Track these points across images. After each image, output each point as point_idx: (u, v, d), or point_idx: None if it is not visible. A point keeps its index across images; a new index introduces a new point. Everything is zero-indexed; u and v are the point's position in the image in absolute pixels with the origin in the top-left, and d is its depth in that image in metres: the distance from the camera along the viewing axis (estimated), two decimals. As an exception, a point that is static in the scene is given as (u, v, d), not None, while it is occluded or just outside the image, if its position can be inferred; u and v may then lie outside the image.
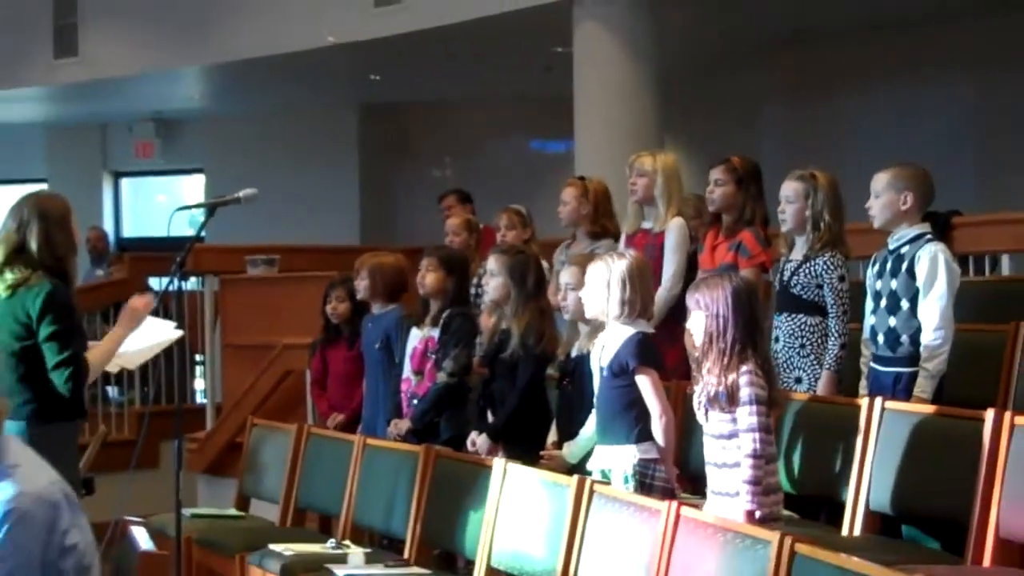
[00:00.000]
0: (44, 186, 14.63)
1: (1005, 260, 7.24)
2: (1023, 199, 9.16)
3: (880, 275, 5.25)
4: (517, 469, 5.15)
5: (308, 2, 11.87)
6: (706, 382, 4.49)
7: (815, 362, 5.43)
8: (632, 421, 4.85)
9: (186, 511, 6.19)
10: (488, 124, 14.60)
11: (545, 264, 6.39)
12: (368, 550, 5.81)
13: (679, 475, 5.06)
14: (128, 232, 16.83)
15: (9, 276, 5.24)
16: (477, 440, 5.82)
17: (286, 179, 14.14)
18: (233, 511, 7.14)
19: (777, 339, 5.51)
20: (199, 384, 11.14)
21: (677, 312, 5.72)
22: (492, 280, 5.93)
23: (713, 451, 4.54)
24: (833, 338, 5.39)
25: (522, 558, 4.97)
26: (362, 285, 6.93)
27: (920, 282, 5.08)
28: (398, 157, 14.90)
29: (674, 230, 6.38)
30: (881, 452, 4.79)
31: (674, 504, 4.21)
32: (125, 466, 6.30)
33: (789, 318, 5.49)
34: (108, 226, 15.79)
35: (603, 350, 4.94)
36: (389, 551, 5.99)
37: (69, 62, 13.39)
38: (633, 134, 9.48)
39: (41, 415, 5.14)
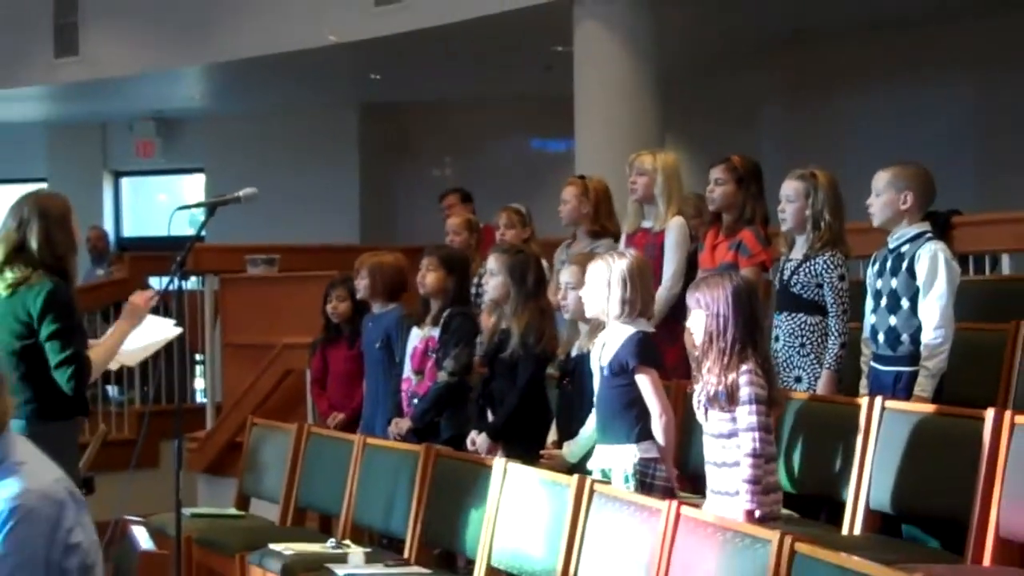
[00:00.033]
0: (44, 185, 14.60)
1: (1005, 259, 7.23)
2: (1023, 199, 9.15)
3: (880, 274, 5.24)
4: (517, 468, 5.15)
5: (308, 1, 11.86)
6: (706, 381, 4.49)
7: (815, 361, 5.42)
8: (632, 420, 4.85)
9: (186, 511, 6.19)
10: (488, 124, 14.58)
11: (545, 263, 6.39)
12: (368, 549, 5.81)
13: (679, 474, 5.06)
14: (128, 231, 16.82)
15: (9, 275, 5.24)
16: (477, 439, 5.82)
17: (286, 179, 14.13)
18: (233, 511, 7.14)
19: (777, 338, 5.51)
20: (199, 383, 11.13)
21: (677, 311, 5.72)
22: (492, 279, 5.92)
23: (713, 450, 4.54)
24: (833, 337, 5.39)
25: (522, 557, 4.97)
26: (362, 284, 6.93)
27: (920, 281, 5.08)
28: (398, 157, 14.90)
29: (674, 229, 6.38)
30: (881, 451, 4.78)
31: (674, 503, 4.21)
32: (125, 465, 6.31)
33: (789, 317, 5.49)
34: (108, 225, 15.79)
35: (603, 349, 4.94)
36: (389, 550, 5.99)
37: (69, 61, 13.38)
38: (633, 133, 9.48)
39: (41, 414, 5.13)
